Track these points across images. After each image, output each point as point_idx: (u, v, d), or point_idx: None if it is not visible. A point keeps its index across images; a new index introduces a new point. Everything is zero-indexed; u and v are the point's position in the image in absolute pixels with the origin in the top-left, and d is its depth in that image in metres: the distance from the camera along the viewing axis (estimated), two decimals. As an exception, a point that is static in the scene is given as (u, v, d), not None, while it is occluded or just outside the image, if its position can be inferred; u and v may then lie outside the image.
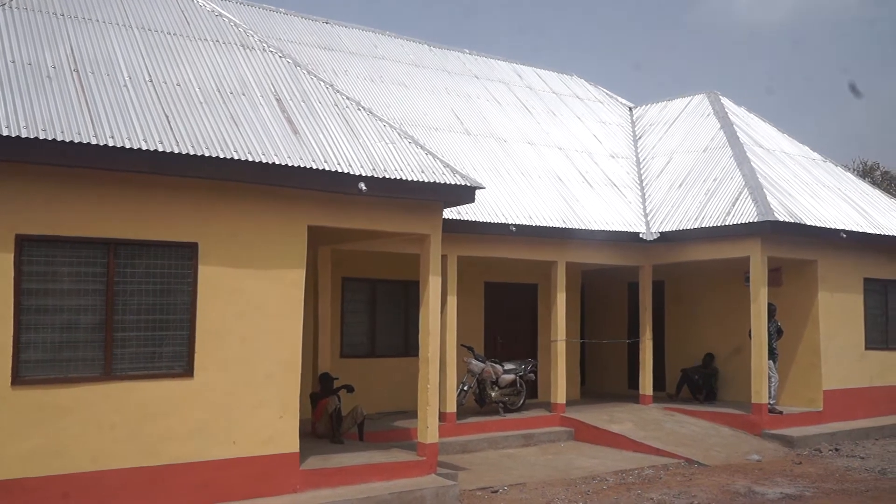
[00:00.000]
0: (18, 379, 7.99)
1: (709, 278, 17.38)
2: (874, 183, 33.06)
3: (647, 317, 16.62)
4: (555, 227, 14.54)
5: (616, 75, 63.72)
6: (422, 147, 11.05)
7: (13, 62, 8.76)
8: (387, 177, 9.98)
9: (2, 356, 7.91)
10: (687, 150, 18.17)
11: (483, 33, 61.34)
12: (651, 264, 16.47)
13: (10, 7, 9.60)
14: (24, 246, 8.13)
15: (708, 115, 19.10)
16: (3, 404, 7.89)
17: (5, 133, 7.72)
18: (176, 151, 8.54)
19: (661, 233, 15.78)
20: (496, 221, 13.69)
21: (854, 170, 35.10)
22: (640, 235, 15.78)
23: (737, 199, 15.38)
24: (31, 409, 8.02)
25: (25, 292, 8.11)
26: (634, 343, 17.21)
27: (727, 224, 14.93)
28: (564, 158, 17.35)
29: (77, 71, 9.11)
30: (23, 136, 7.80)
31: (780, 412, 15.11)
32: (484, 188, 11.61)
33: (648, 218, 16.42)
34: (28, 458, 7.94)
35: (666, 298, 18.28)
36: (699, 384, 16.99)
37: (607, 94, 22.32)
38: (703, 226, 15.31)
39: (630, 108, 21.81)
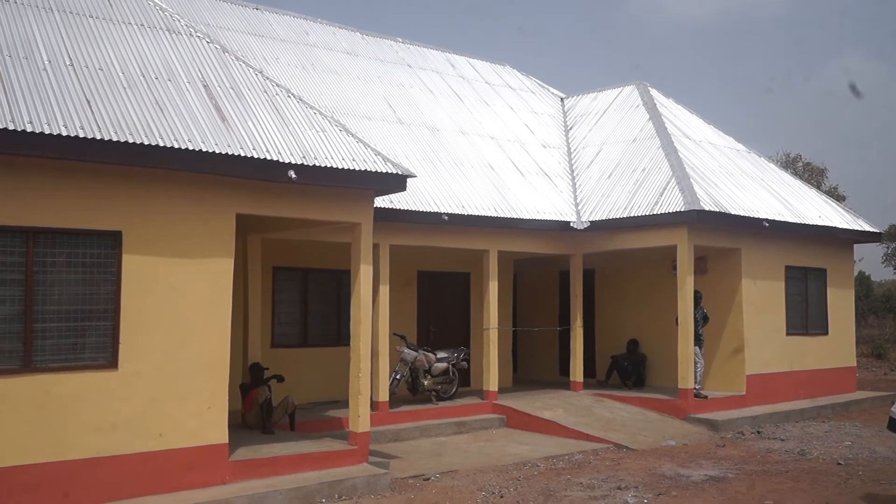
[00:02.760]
0: (-69, 372, 7.71)
1: (637, 266, 17.71)
2: (796, 173, 34.07)
3: (577, 304, 16.86)
4: (487, 216, 14.63)
5: (547, 66, 64.32)
6: (353, 135, 10.98)
7: (-76, 43, 8.41)
8: (317, 165, 9.90)
9: (-87, 349, 7.62)
10: (616, 141, 18.45)
11: (418, 22, 61.23)
12: (581, 253, 16.70)
13: (-79, -14, 9.21)
14: (-63, 234, 7.84)
15: (637, 106, 19.41)
16: (-86, 399, 7.60)
17: (-85, 117, 7.42)
18: (97, 137, 8.32)
19: (592, 222, 16.01)
20: (428, 210, 13.70)
21: (777, 161, 36.07)
22: (571, 224, 15.98)
23: (664, 188, 15.68)
24: (-54, 404, 7.75)
25: (-62, 282, 7.83)
26: (565, 330, 17.44)
27: (655, 213, 15.22)
28: (497, 148, 17.44)
29: (-7, 53, 8.79)
30: (-66, 121, 7.50)
31: (706, 397, 15.50)
32: (415, 176, 11.60)
33: (579, 207, 16.64)
34: (-58, 454, 7.67)
35: (596, 286, 18.58)
36: (628, 370, 17.32)
37: (539, 84, 22.50)
38: (631, 215, 15.58)
39: (562, 99, 22.03)
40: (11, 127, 7.87)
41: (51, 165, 8.35)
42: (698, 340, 15.54)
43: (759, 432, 14.36)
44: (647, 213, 15.35)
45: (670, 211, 15.01)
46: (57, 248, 8.48)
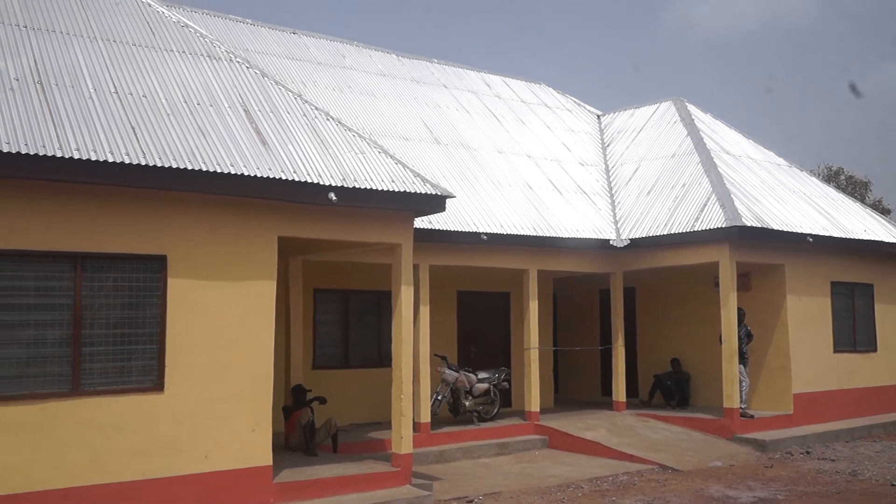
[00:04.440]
0: (-17, 396, 7.84)
1: (679, 284, 17.50)
2: (839, 187, 33.55)
3: (618, 323, 16.69)
4: (526, 236, 14.57)
5: (583, 84, 64.20)
6: (391, 157, 11.02)
7: (-25, 74, 8.62)
8: (357, 187, 9.94)
9: (-34, 373, 7.75)
10: (655, 157, 18.32)
11: (452, 43, 61.53)
12: (622, 271, 16.55)
13: (-28, 19, 9.45)
14: (-12, 261, 7.98)
15: (675, 122, 19.28)
16: (-33, 423, 7.72)
17: (-33, 146, 7.59)
18: (143, 163, 8.45)
19: (631, 239, 15.87)
20: (467, 230, 13.69)
21: (819, 174, 35.60)
22: (611, 242, 15.86)
23: (705, 204, 15.52)
24: (-3, 427, 7.86)
25: (-10, 308, 7.96)
26: (607, 350, 17.27)
27: (696, 230, 15.05)
28: (534, 167, 17.41)
29: (41, 83, 8.99)
30: (-15, 149, 7.66)
31: (752, 416, 15.22)
32: (454, 197, 11.61)
33: (618, 225, 16.52)
34: (-6, 477, 7.77)
35: (637, 304, 18.38)
36: (672, 390, 17.08)
37: (575, 102, 22.46)
38: (672, 232, 15.43)
39: (598, 116, 21.95)
40: (59, 154, 8.03)
41: (98, 191, 8.49)
42: (743, 359, 15.29)
43: (808, 452, 14.06)
44: (688, 230, 15.18)
45: (711, 227, 14.84)
46: (104, 273, 8.60)
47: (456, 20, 65.56)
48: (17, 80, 8.85)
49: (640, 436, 14.50)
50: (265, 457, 9.29)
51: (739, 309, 15.16)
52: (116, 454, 8.39)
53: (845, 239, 16.67)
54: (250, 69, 11.28)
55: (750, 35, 68.28)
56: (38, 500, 7.94)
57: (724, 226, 14.64)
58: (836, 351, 16.95)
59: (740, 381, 15.05)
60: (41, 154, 7.92)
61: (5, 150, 7.75)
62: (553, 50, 66.65)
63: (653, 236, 15.69)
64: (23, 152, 7.83)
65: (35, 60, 9.32)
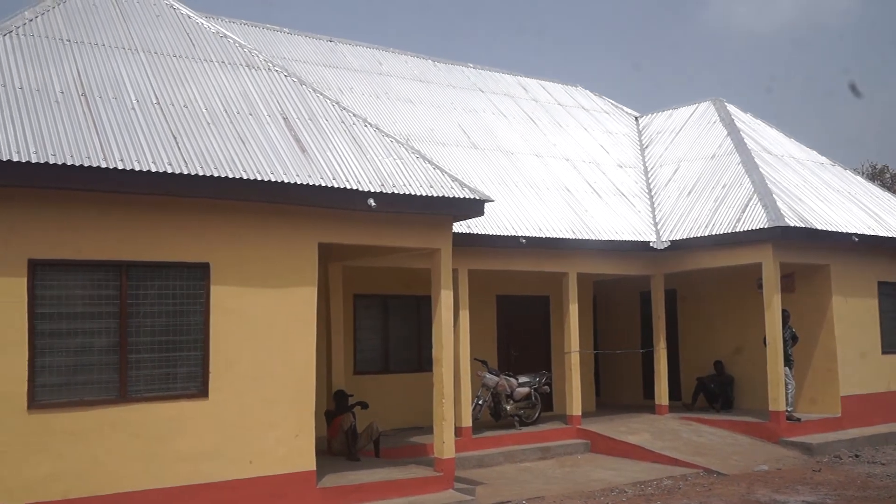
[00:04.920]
0: (34, 403, 8.00)
1: (721, 285, 17.27)
2: (884, 185, 32.91)
3: (660, 326, 16.54)
4: (565, 239, 14.50)
5: (620, 85, 63.74)
6: (430, 162, 11.04)
7: (21, 88, 8.81)
8: (395, 192, 9.98)
9: (17, 381, 7.92)
10: (695, 158, 18.13)
11: (484, 48, 61.49)
12: (662, 273, 16.40)
13: (17, 34, 9.66)
14: (37, 270, 8.15)
15: (714, 122, 19.07)
16: (19, 429, 7.89)
17: (16, 158, 7.76)
18: (185, 172, 8.56)
19: (672, 241, 15.72)
20: (506, 234, 13.65)
21: (863, 173, 34.95)
22: (651, 244, 15.73)
23: (746, 205, 15.32)
24: (47, 434, 8.01)
25: (39, 316, 8.12)
26: (648, 353, 17.12)
27: (738, 231, 14.86)
28: (572, 169, 17.32)
29: (85, 95, 9.15)
30: (33, 161, 7.83)
31: (798, 419, 14.98)
32: (493, 201, 11.59)
33: (658, 227, 16.37)
34: (44, 482, 7.92)
35: (678, 307, 18.19)
36: (715, 392, 16.86)
37: (613, 104, 22.32)
38: (713, 233, 15.24)
39: (636, 118, 21.79)
40: (104, 165, 8.17)
41: (141, 201, 8.62)
42: (788, 361, 15.05)
43: (857, 456, 13.78)
44: (730, 231, 14.99)
45: (754, 228, 14.63)
46: (149, 281, 8.72)
47: (489, 23, 65.55)
48: (62, 92, 9.03)
49: (684, 439, 14.34)
50: (309, 462, 9.35)
51: (784, 310, 14.93)
52: (163, 460, 8.51)
53: (892, 238, 16.33)
54: (288, 77, 11.38)
55: (790, 33, 67.35)
56: (87, 505, 8.07)
57: (766, 226, 14.43)
58: (884, 352, 16.60)
59: (786, 384, 14.81)
60: (86, 165, 8.07)
61: (52, 162, 7.90)
62: (588, 52, 66.34)
63: (693, 238, 15.52)
64: (68, 164, 7.99)
65: (79, 73, 9.49)
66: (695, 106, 20.39)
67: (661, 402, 16.38)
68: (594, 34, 68.27)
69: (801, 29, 67.65)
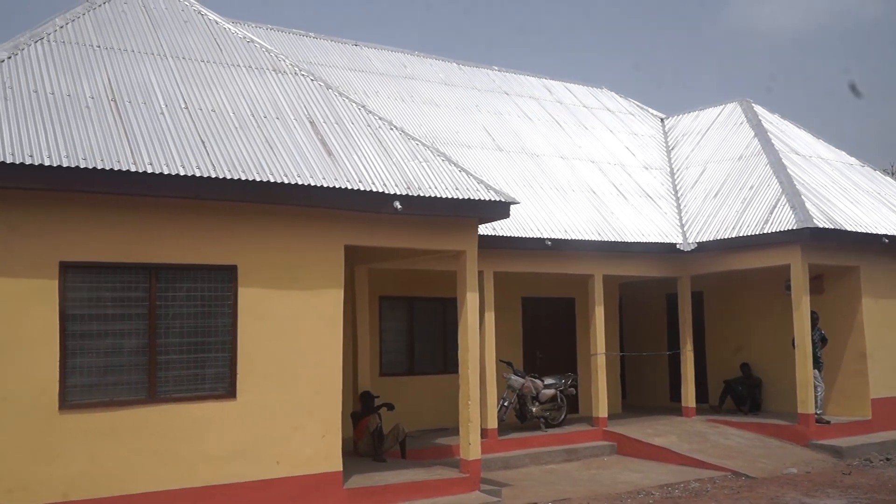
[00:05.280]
0: (65, 403, 8.13)
1: (748, 287, 17.14)
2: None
3: (686, 328, 16.44)
4: (590, 241, 14.47)
5: (645, 88, 63.39)
6: (455, 164, 11.08)
7: (52, 94, 8.96)
8: (421, 195, 10.03)
9: (49, 381, 8.05)
10: (721, 159, 18.02)
11: (506, 51, 61.38)
12: (689, 275, 16.31)
13: (48, 40, 9.82)
14: (68, 272, 8.28)
15: (741, 123, 18.94)
16: (50, 429, 8.02)
17: (47, 163, 7.89)
18: (213, 176, 8.66)
19: (699, 243, 15.64)
20: (531, 236, 13.66)
21: (893, 174, 34.51)
22: (678, 246, 15.65)
23: (774, 206, 15.20)
24: (78, 434, 8.14)
25: (70, 318, 8.26)
26: (675, 355, 17.03)
27: (766, 232, 14.75)
28: (598, 171, 17.29)
29: (115, 100, 9.29)
30: (64, 166, 7.97)
31: (828, 422, 14.83)
32: (518, 203, 11.61)
33: (685, 228, 16.28)
34: (75, 481, 8.05)
35: (705, 309, 18.06)
36: (743, 395, 16.73)
37: (638, 105, 22.24)
38: (740, 235, 15.14)
39: (661, 119, 21.70)
40: (134, 169, 8.29)
41: (170, 204, 8.74)
42: (817, 363, 14.91)
43: (888, 459, 13.62)
44: (757, 233, 14.88)
45: (782, 229, 14.52)
46: (177, 283, 8.84)
47: (509, 26, 65.50)
48: (93, 98, 9.17)
49: (712, 442, 14.24)
50: (335, 462, 9.41)
51: (813, 312, 14.79)
52: (191, 460, 8.61)
53: (923, 239, 16.11)
54: (315, 81, 11.47)
55: (815, 32, 66.64)
56: (117, 504, 8.19)
57: (794, 227, 14.32)
58: (915, 354, 16.37)
59: (815, 386, 14.67)
60: (116, 169, 8.19)
61: (83, 166, 8.03)
62: (612, 54, 66.06)
63: (721, 239, 15.42)
64: (99, 168, 8.11)
65: (109, 79, 9.63)
66: (721, 107, 20.27)
67: (687, 404, 16.28)
68: (617, 36, 67.97)
69: (827, 29, 66.90)
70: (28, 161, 7.83)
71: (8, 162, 7.73)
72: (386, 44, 19.17)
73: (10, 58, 9.20)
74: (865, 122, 56.81)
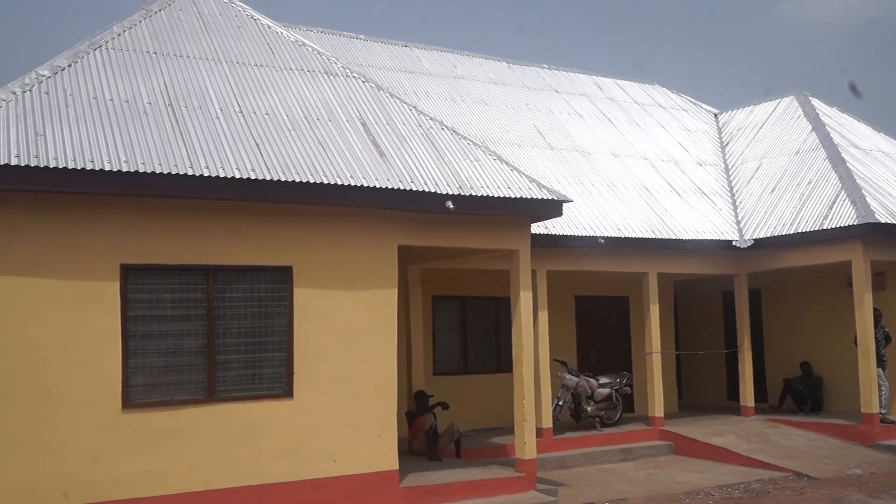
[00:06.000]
0: (128, 403, 8.30)
1: (808, 284, 16.77)
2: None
3: (744, 326, 16.16)
4: (644, 238, 14.32)
5: (697, 83, 62.47)
6: (507, 163, 11.05)
7: (111, 100, 9.16)
8: (473, 194, 10.02)
9: (112, 381, 8.23)
10: (778, 154, 17.67)
11: (557, 47, 61.03)
12: (746, 272, 16.02)
13: (107, 48, 10.05)
14: (129, 274, 8.46)
15: (798, 117, 18.55)
16: (113, 427, 8.20)
17: (107, 168, 8.08)
18: (267, 178, 8.77)
19: (755, 239, 15.35)
20: (584, 235, 13.56)
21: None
22: (734, 243, 15.39)
23: (834, 201, 14.85)
24: (140, 432, 8.31)
25: (132, 319, 8.43)
26: (732, 354, 16.75)
27: (825, 228, 14.42)
28: (650, 168, 17.09)
29: (171, 105, 9.46)
30: (123, 170, 8.14)
31: (893, 422, 14.43)
32: (571, 201, 11.53)
33: (741, 225, 16.01)
34: (136, 479, 8.22)
35: (763, 306, 17.72)
36: (803, 394, 16.38)
37: (691, 101, 21.92)
38: (798, 231, 14.83)
39: (715, 115, 21.36)
40: (191, 172, 8.44)
41: (226, 206, 8.87)
42: (881, 362, 14.52)
43: (956, 459, 13.21)
44: (816, 229, 14.55)
45: (842, 225, 14.17)
46: (234, 284, 8.97)
47: (560, 23, 65.11)
48: (150, 103, 9.35)
49: (772, 442, 13.97)
50: (391, 461, 9.46)
51: (876, 309, 14.42)
52: (250, 459, 8.72)
53: None
54: (366, 83, 11.54)
55: (872, 23, 64.97)
56: (178, 501, 8.34)
57: (855, 223, 13.97)
58: (984, 352, 15.86)
59: (879, 385, 14.29)
60: (174, 173, 8.35)
61: (142, 171, 8.20)
62: (663, 50, 65.26)
63: (778, 236, 15.12)
64: (157, 172, 8.28)
65: (165, 84, 9.82)
66: (777, 101, 19.88)
67: (746, 403, 16.00)
68: (667, 31, 67.10)
69: (885, 22, 65.18)
70: (89, 166, 8.02)
71: (70, 167, 7.93)
72: (435, 44, 19.22)
73: (70, 65, 9.43)
74: (928, 113, 55.18)
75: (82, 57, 9.67)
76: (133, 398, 8.35)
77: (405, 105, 11.48)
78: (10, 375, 7.88)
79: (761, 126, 19.28)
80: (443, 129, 11.25)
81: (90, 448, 8.08)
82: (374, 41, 18.11)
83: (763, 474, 12.25)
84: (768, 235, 15.26)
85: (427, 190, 9.72)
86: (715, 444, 13.72)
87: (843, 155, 16.22)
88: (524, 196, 10.42)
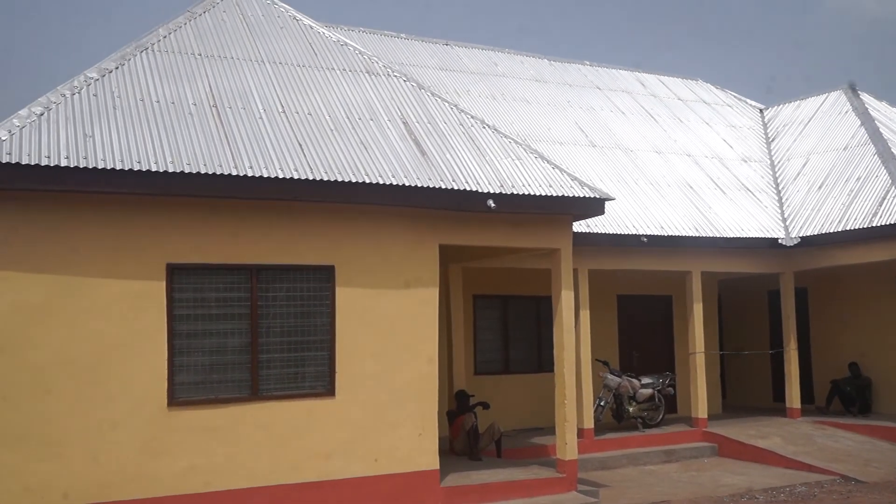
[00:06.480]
0: (173, 400, 8.42)
1: (857, 283, 16.43)
2: None
3: (790, 326, 15.89)
4: (687, 237, 14.15)
5: (743, 79, 61.55)
6: (548, 161, 10.99)
7: (157, 101, 9.29)
8: (515, 193, 9.98)
9: (158, 379, 8.35)
10: (825, 150, 17.35)
11: (598, 46, 60.56)
12: (792, 271, 15.76)
13: (153, 50, 10.19)
14: (175, 274, 8.57)
15: (846, 112, 18.18)
16: (159, 425, 8.32)
17: (154, 168, 8.19)
18: (310, 178, 8.83)
19: (802, 237, 15.08)
20: (626, 233, 13.45)
21: None
22: (780, 241, 15.14)
23: (884, 198, 14.54)
24: (185, 429, 8.43)
25: (177, 318, 8.55)
26: (778, 354, 16.48)
27: (874, 225, 14.11)
28: (694, 165, 16.88)
29: (216, 106, 9.56)
30: (169, 171, 8.25)
31: (945, 424, 14.12)
32: (613, 199, 11.43)
33: (787, 223, 15.74)
34: (183, 475, 8.33)
35: (810, 306, 17.41)
36: (851, 396, 16.06)
37: (735, 97, 21.61)
38: (847, 228, 14.54)
39: (761, 110, 21.03)
40: (234, 172, 8.52)
41: (269, 206, 8.94)
42: (932, 362, 14.20)
43: None
44: (865, 226, 14.25)
45: (892, 222, 13.86)
46: (277, 283, 9.04)
47: (603, 21, 64.58)
48: (195, 104, 9.46)
49: (819, 444, 13.73)
50: (432, 461, 9.47)
51: (927, 309, 14.09)
52: (293, 457, 8.80)
53: None
54: (407, 82, 11.56)
55: (927, 14, 63.39)
56: (221, 499, 8.44)
57: (905, 220, 13.66)
58: None
59: (930, 387, 13.98)
60: (218, 173, 8.44)
61: (187, 171, 8.30)
62: (707, 46, 64.41)
63: (826, 234, 14.84)
64: (202, 172, 8.37)
65: (210, 85, 9.93)
66: (825, 96, 19.51)
67: (792, 405, 15.74)
68: (711, 28, 66.20)
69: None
70: (136, 167, 8.14)
71: (118, 168, 8.06)
72: (476, 42, 19.19)
73: (117, 68, 9.58)
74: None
75: (129, 59, 9.81)
76: (178, 396, 8.47)
77: (446, 103, 11.47)
78: (61, 372, 8.02)
79: (808, 121, 18.94)
80: (484, 127, 11.23)
81: (137, 444, 8.21)
82: (415, 40, 18.14)
83: (809, 477, 12.05)
84: (815, 233, 14.99)
85: (468, 189, 9.71)
86: (760, 446, 13.52)
87: (893, 150, 15.87)
88: (566, 194, 10.35)
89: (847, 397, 16.12)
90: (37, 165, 7.78)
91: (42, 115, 8.44)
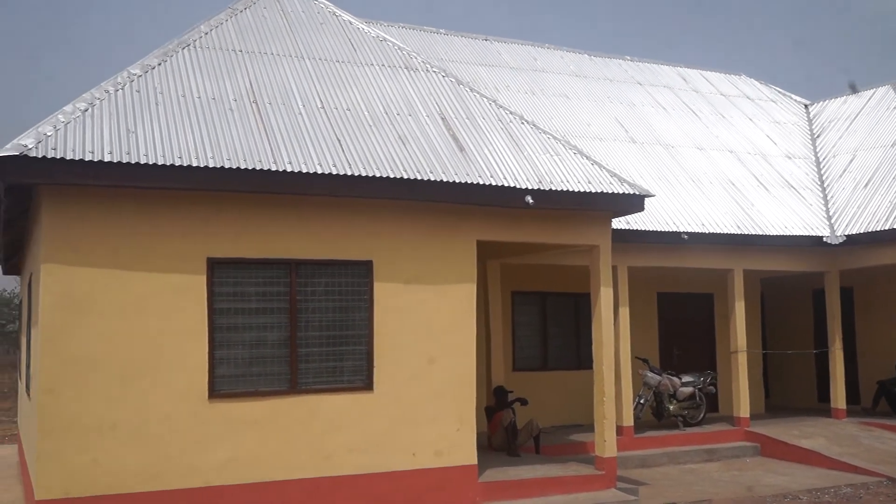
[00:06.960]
0: (214, 393, 8.51)
1: (904, 282, 16.09)
2: None
3: (835, 326, 15.59)
4: (729, 234, 13.95)
5: (788, 76, 60.49)
6: (587, 157, 10.90)
7: (199, 97, 9.38)
8: (553, 189, 9.92)
9: (200, 372, 8.45)
10: (872, 146, 16.98)
11: (641, 42, 59.95)
12: (837, 270, 15.45)
13: (194, 46, 10.29)
14: (215, 268, 8.66)
15: (894, 107, 17.79)
16: (200, 417, 8.42)
17: (195, 164, 8.27)
18: (349, 173, 8.86)
19: (848, 236, 14.78)
20: (667, 230, 13.29)
21: None
22: (824, 239, 14.86)
23: (933, 195, 14.20)
24: (225, 422, 8.51)
25: (218, 312, 8.63)
26: (822, 354, 16.18)
27: (923, 223, 13.80)
28: (736, 162, 16.64)
29: (256, 102, 9.63)
30: (210, 166, 8.32)
31: None
32: (653, 196, 11.30)
33: (832, 220, 15.44)
34: (222, 467, 8.42)
35: (855, 305, 17.08)
36: (899, 396, 15.73)
37: (780, 92, 21.25)
38: (895, 227, 14.22)
39: (806, 106, 20.65)
40: (274, 168, 8.58)
41: (308, 201, 8.99)
42: (983, 363, 13.84)
43: None
44: (914, 224, 13.94)
45: (942, 220, 13.56)
46: (316, 278, 9.09)
47: (644, 17, 63.96)
48: (235, 100, 9.54)
49: (865, 446, 13.45)
50: (470, 456, 9.46)
51: (978, 308, 13.74)
52: (331, 450, 8.85)
53: None
54: (446, 78, 11.54)
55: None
56: (259, 491, 8.52)
57: (956, 217, 13.33)
58: None
59: (981, 388, 13.63)
60: (258, 168, 8.50)
61: (227, 167, 8.37)
62: (752, 42, 63.40)
63: (872, 232, 14.52)
64: (242, 167, 8.44)
65: (250, 81, 10.00)
66: (872, 91, 19.11)
67: (837, 405, 15.44)
68: (760, 23, 65.15)
69: None
70: (178, 162, 8.23)
71: (160, 164, 8.15)
72: (515, 37, 19.10)
73: (160, 64, 9.69)
74: None
75: (171, 56, 9.92)
76: (219, 388, 8.55)
77: (485, 99, 11.44)
78: (104, 364, 8.14)
79: (855, 117, 18.57)
80: (522, 122, 11.17)
81: (179, 436, 8.31)
82: (454, 35, 18.11)
83: (854, 479, 11.82)
84: (861, 231, 14.68)
85: (506, 185, 9.67)
86: (803, 446, 13.29)
87: (943, 147, 15.50)
88: (605, 191, 10.26)
89: (894, 398, 15.77)
90: (81, 160, 7.90)
91: (86, 110, 8.57)
